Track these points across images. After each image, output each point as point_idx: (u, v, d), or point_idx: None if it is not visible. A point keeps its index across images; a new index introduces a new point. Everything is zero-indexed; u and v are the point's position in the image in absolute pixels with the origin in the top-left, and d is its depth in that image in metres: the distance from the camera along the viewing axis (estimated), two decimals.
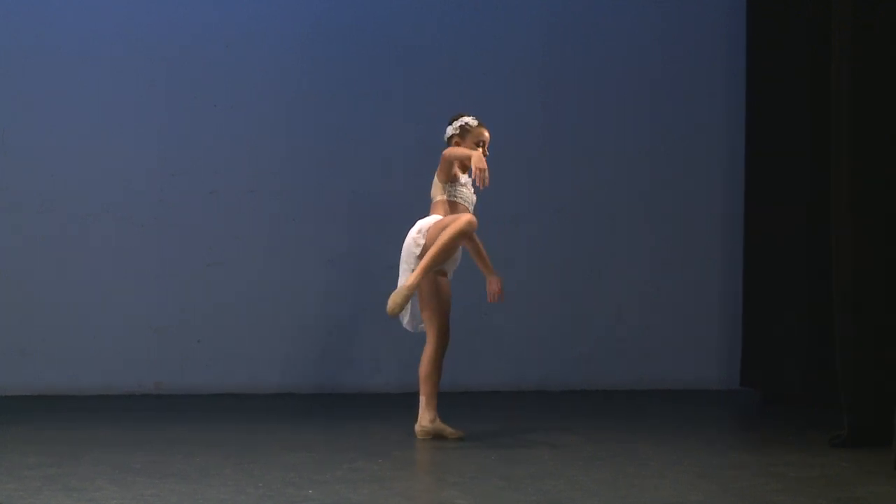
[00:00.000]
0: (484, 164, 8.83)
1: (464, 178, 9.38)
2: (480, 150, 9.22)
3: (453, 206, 9.31)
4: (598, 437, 9.92)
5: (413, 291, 8.97)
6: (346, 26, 12.90)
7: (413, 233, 9.25)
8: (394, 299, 8.92)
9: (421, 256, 9.08)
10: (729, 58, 13.32)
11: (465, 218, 9.00)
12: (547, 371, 13.04)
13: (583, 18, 13.19)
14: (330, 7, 12.91)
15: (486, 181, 8.81)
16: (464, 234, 9.00)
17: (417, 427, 9.47)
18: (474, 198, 9.51)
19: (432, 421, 9.38)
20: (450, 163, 9.23)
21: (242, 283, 12.64)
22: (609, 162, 13.22)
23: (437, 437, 9.38)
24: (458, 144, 9.32)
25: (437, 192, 9.33)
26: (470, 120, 9.44)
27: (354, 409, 11.63)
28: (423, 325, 9.43)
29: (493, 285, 9.60)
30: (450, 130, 9.48)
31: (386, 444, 9.41)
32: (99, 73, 12.54)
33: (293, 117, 12.80)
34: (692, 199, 13.33)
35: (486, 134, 9.43)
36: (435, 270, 9.18)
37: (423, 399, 9.41)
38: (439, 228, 9.06)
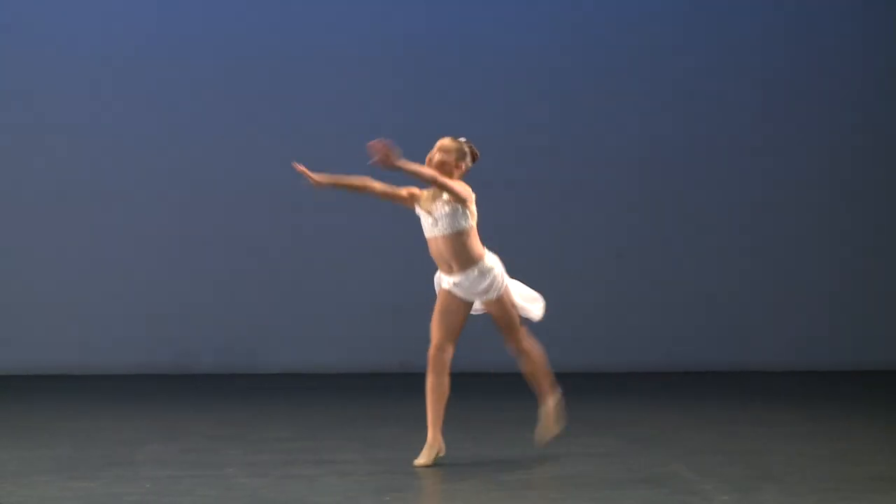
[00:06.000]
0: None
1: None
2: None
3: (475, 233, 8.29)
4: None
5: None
6: (352, 26, 13.53)
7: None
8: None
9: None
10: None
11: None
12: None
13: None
14: (337, 5, 13.56)
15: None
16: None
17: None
18: (434, 212, 8.15)
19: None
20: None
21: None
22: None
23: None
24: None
25: (474, 215, 8.15)
26: None
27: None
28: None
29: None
30: None
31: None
32: (104, 69, 13.27)
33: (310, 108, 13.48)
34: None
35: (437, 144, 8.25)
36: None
37: None
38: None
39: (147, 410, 10.71)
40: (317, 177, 8.25)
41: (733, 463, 8.04)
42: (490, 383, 12.49)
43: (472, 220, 8.03)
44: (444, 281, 8.16)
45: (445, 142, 8.15)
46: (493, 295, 8.10)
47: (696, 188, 13.74)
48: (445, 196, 7.99)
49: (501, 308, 8.16)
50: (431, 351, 8.12)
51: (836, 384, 12.70)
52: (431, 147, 8.13)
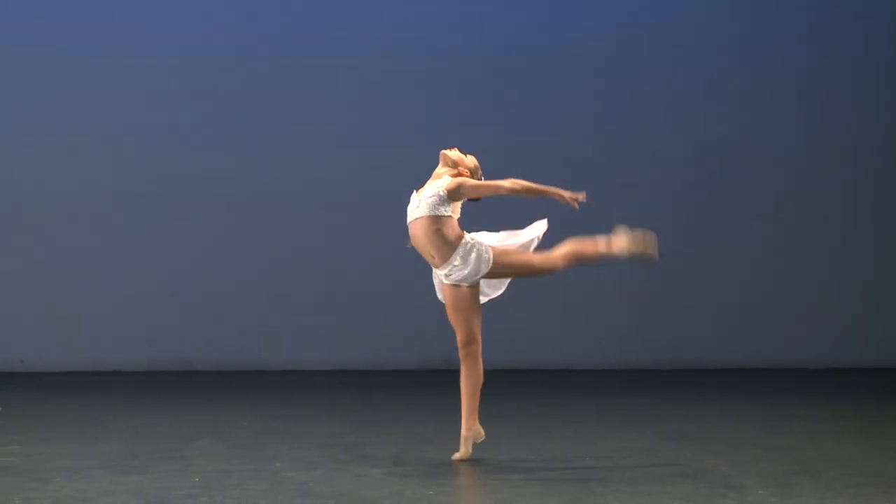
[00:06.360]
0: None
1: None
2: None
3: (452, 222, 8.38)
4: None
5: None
6: (392, 30, 13.75)
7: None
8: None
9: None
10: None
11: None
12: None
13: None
14: (354, 8, 13.79)
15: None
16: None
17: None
18: (420, 193, 8.38)
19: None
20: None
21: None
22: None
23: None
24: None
25: (456, 210, 8.35)
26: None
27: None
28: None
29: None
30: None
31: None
32: (124, 67, 13.53)
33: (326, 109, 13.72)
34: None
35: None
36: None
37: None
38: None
39: (193, 406, 10.88)
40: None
41: (770, 458, 8.15)
42: (527, 380, 12.61)
43: (451, 212, 8.21)
44: (440, 276, 8.33)
45: (475, 162, 8.45)
46: (485, 268, 8.19)
47: (729, 188, 13.86)
48: (438, 182, 8.24)
49: (504, 267, 8.24)
50: (459, 348, 8.29)
51: (871, 381, 12.78)
52: (468, 147, 8.49)
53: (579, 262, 8.40)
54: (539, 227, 8.43)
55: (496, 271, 8.25)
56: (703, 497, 6.95)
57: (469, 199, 8.33)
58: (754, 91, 13.88)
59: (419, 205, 8.23)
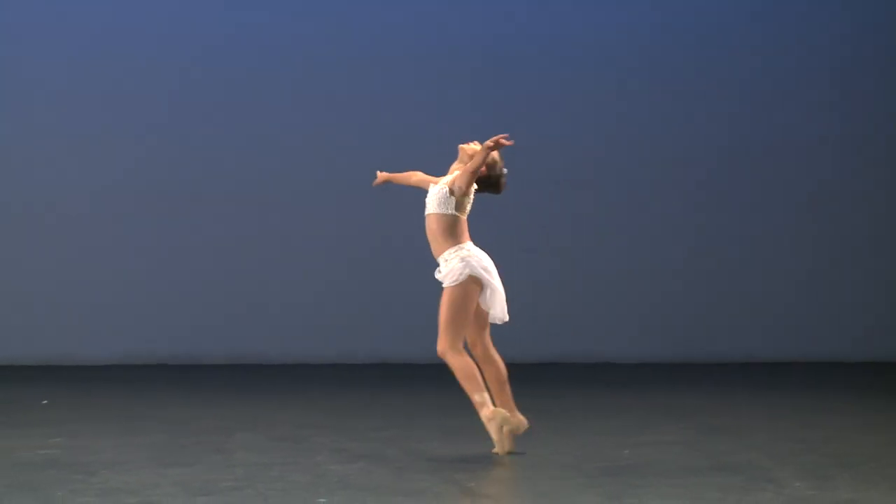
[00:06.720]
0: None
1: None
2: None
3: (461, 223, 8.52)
4: None
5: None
6: (411, 32, 13.82)
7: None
8: None
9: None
10: None
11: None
12: None
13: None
14: (366, 6, 13.85)
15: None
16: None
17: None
18: (430, 190, 8.58)
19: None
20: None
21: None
22: None
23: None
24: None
25: (464, 210, 8.47)
26: None
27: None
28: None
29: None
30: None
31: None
32: (123, 69, 13.57)
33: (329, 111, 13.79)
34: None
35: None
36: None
37: None
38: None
39: (234, 399, 10.98)
40: (380, 176, 9.01)
41: (807, 451, 8.20)
42: (564, 374, 12.67)
43: (457, 210, 8.34)
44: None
45: (496, 155, 8.47)
46: (447, 281, 8.29)
47: (755, 185, 13.93)
48: (446, 179, 8.42)
49: (445, 302, 8.27)
50: (470, 350, 8.41)
51: None
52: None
53: (458, 375, 8.28)
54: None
55: (444, 297, 8.27)
56: (740, 490, 7.01)
57: (486, 191, 8.50)
58: (779, 92, 13.89)
59: (430, 201, 8.46)
